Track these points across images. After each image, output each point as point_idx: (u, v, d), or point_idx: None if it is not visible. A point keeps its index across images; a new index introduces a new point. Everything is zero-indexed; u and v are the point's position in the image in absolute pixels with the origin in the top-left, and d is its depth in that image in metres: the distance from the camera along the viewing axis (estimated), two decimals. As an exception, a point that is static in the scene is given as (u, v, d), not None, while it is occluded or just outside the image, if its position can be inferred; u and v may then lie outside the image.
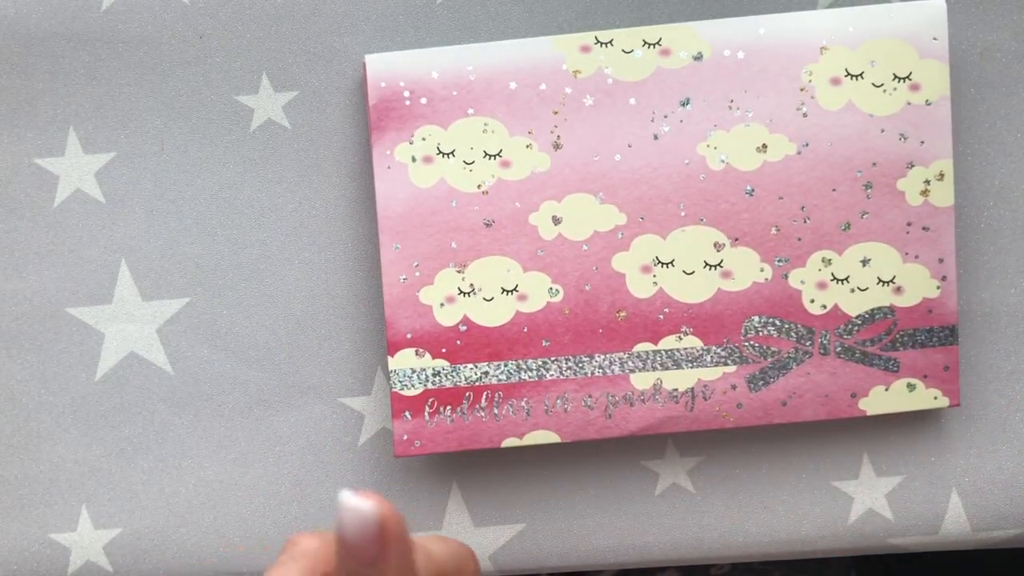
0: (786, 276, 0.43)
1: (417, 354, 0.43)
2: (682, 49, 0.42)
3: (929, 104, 0.42)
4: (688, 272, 0.43)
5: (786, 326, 0.43)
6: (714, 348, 0.43)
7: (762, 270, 0.43)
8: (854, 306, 0.43)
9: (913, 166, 0.43)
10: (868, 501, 0.46)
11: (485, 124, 0.43)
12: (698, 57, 0.43)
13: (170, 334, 0.46)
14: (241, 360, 0.46)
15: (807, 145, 0.43)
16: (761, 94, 0.43)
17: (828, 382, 0.43)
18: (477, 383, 0.43)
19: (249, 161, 0.45)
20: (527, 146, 0.43)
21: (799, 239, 0.43)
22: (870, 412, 0.44)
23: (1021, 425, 0.46)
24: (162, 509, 0.46)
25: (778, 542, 0.45)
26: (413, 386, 0.43)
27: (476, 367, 0.43)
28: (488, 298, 0.43)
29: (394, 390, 0.43)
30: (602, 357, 0.43)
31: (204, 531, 0.46)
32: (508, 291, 0.43)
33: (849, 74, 0.42)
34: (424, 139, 0.43)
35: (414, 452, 0.44)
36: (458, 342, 0.43)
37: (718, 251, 0.43)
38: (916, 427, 0.46)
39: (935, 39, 0.42)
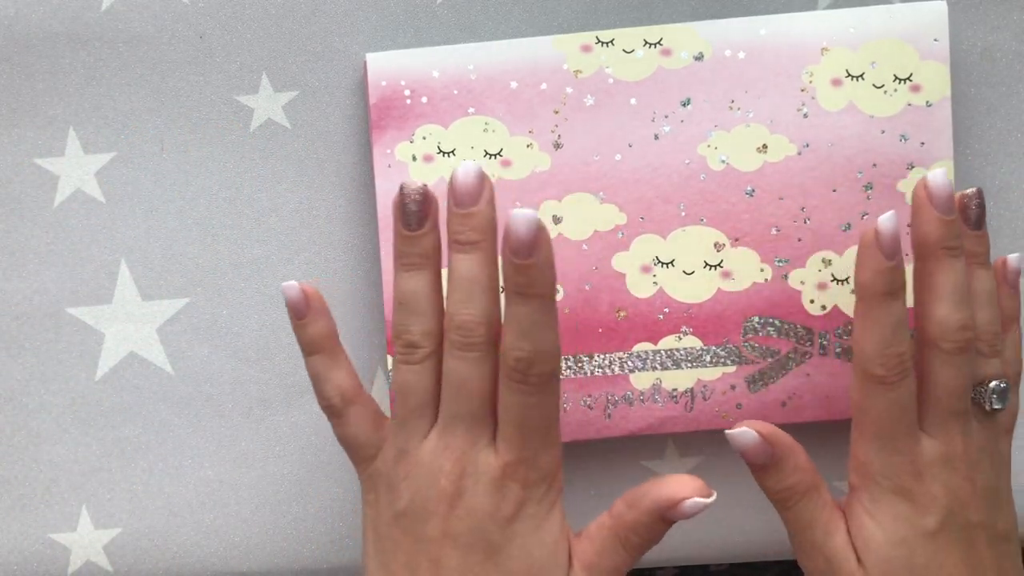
0: (786, 276, 0.43)
1: (417, 354, 0.43)
2: (683, 49, 0.42)
3: (930, 105, 0.42)
4: (688, 272, 0.43)
5: (786, 326, 0.43)
6: (714, 348, 0.43)
7: (762, 270, 0.43)
8: (854, 307, 0.43)
9: (913, 167, 0.43)
10: (868, 501, 0.46)
11: (486, 123, 0.43)
12: (699, 57, 0.42)
13: (170, 334, 0.46)
14: (241, 360, 0.46)
15: (808, 146, 0.43)
16: (762, 94, 0.42)
17: (828, 383, 0.43)
18: (477, 383, 0.43)
19: (249, 161, 0.45)
20: (528, 145, 0.43)
21: (799, 239, 0.43)
22: (870, 412, 0.44)
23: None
24: (162, 509, 0.46)
25: (778, 542, 0.45)
26: (413, 386, 0.43)
27: (476, 367, 0.43)
28: (488, 298, 0.43)
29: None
30: (601, 357, 0.43)
31: (204, 531, 0.46)
32: (508, 291, 0.43)
33: (850, 75, 0.42)
34: (425, 138, 0.43)
35: (414, 452, 0.44)
36: (458, 342, 0.43)
37: (718, 251, 0.43)
38: (916, 427, 0.46)
39: (936, 40, 0.42)
